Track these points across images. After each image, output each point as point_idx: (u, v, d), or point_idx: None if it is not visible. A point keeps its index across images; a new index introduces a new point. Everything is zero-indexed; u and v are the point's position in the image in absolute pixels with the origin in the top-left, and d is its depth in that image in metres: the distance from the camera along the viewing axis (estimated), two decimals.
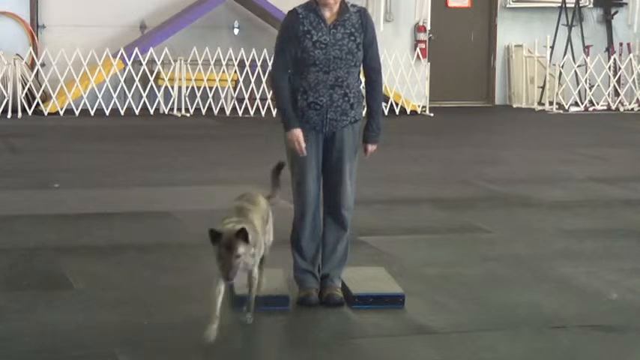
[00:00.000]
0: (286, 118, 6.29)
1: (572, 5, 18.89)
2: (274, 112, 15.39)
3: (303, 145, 6.24)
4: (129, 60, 16.66)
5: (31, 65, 16.80)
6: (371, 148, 6.43)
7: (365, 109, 6.40)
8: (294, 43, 6.25)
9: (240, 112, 17.04)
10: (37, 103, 16.43)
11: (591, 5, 19.75)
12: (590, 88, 18.80)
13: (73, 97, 16.48)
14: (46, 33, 17.51)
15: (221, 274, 5.56)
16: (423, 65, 18.17)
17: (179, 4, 17.90)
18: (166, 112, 17.09)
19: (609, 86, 19.06)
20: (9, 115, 16.06)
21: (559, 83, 18.67)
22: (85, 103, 16.59)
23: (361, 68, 6.38)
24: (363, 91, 6.41)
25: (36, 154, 12.76)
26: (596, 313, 6.44)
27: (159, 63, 16.91)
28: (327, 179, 6.39)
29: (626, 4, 19.94)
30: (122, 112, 16.65)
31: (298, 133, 6.24)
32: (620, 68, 19.16)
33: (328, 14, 6.27)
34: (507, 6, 19.61)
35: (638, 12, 19.80)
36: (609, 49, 19.56)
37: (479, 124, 17.04)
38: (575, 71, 18.59)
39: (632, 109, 18.97)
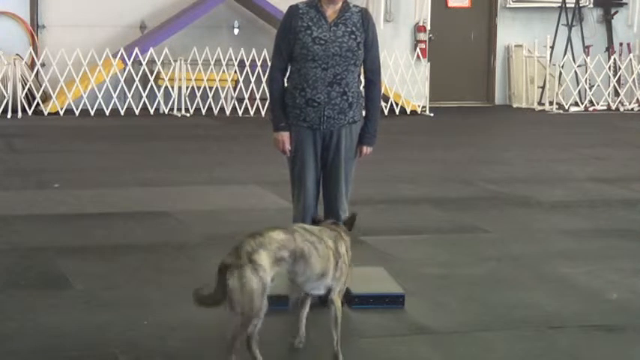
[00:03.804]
0: (275, 119, 6.36)
1: (572, 5, 18.89)
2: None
3: (288, 147, 6.31)
4: (129, 60, 16.66)
5: (31, 65, 16.80)
6: (366, 150, 6.43)
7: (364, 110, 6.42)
8: (290, 40, 6.26)
9: (240, 112, 17.04)
10: (37, 103, 16.43)
11: (591, 5, 19.75)
12: (590, 88, 18.80)
13: (73, 97, 16.48)
14: (46, 33, 17.51)
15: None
16: (423, 65, 18.17)
17: (179, 4, 17.89)
18: (166, 112, 17.09)
19: (609, 86, 19.06)
20: (9, 115, 16.06)
21: (559, 83, 18.66)
22: (85, 103, 16.59)
23: (361, 69, 6.38)
24: (363, 93, 6.41)
25: (36, 154, 12.76)
26: (596, 313, 6.44)
27: (159, 63, 16.91)
28: (324, 180, 6.40)
29: (626, 4, 19.94)
30: (122, 112, 16.64)
31: (284, 136, 6.30)
32: (620, 68, 19.16)
33: (330, 11, 6.27)
34: (507, 6, 19.61)
35: (638, 12, 19.80)
36: (609, 49, 19.56)
37: (479, 124, 17.04)
38: (575, 71, 18.59)
39: (632, 109, 18.97)
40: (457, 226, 8.94)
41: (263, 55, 16.64)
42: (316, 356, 5.65)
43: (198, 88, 17.08)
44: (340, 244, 5.45)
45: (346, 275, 5.46)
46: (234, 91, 17.29)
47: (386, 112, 16.74)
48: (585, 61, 18.63)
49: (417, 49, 18.69)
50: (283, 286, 6.44)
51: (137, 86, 16.81)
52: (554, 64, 18.62)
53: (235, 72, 17.16)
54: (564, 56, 18.55)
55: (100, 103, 16.69)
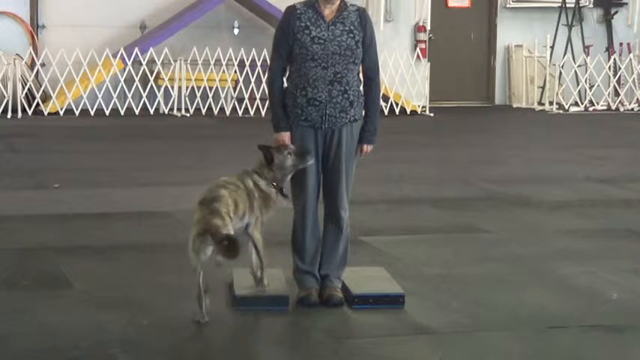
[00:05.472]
0: (276, 119, 6.37)
1: (572, 5, 18.90)
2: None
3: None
4: (129, 60, 16.66)
5: (31, 65, 16.81)
6: (367, 148, 6.43)
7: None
8: (289, 40, 6.27)
9: (240, 112, 17.04)
10: (37, 103, 16.44)
11: (591, 5, 19.76)
12: (590, 88, 18.81)
13: (73, 97, 16.48)
14: (46, 33, 17.52)
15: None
16: (423, 65, 18.18)
17: (179, 4, 17.90)
18: (166, 112, 17.10)
19: (609, 86, 19.07)
20: (9, 115, 16.06)
21: (559, 83, 18.67)
22: (85, 103, 16.60)
23: (360, 68, 6.39)
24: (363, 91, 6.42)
25: (36, 154, 12.76)
26: (596, 313, 6.44)
27: (159, 63, 16.91)
28: (325, 179, 6.40)
29: (626, 4, 19.95)
30: (122, 112, 16.65)
31: (285, 136, 6.31)
32: (620, 68, 19.16)
33: (327, 11, 6.29)
34: (507, 6, 19.62)
35: (638, 12, 19.81)
36: (609, 49, 19.56)
37: (479, 124, 17.04)
38: (575, 71, 18.59)
39: (632, 109, 18.98)
40: (457, 226, 8.94)
41: (263, 55, 16.64)
42: (315, 355, 5.65)
43: (198, 88, 17.08)
44: (248, 182, 6.32)
45: (260, 210, 6.23)
46: (234, 91, 17.29)
47: (386, 112, 16.75)
48: (585, 61, 18.64)
49: (417, 49, 18.70)
50: (283, 286, 6.46)
51: (137, 86, 16.81)
52: (554, 64, 18.63)
53: (235, 72, 17.16)
54: (564, 56, 18.56)
55: (100, 103, 16.69)
